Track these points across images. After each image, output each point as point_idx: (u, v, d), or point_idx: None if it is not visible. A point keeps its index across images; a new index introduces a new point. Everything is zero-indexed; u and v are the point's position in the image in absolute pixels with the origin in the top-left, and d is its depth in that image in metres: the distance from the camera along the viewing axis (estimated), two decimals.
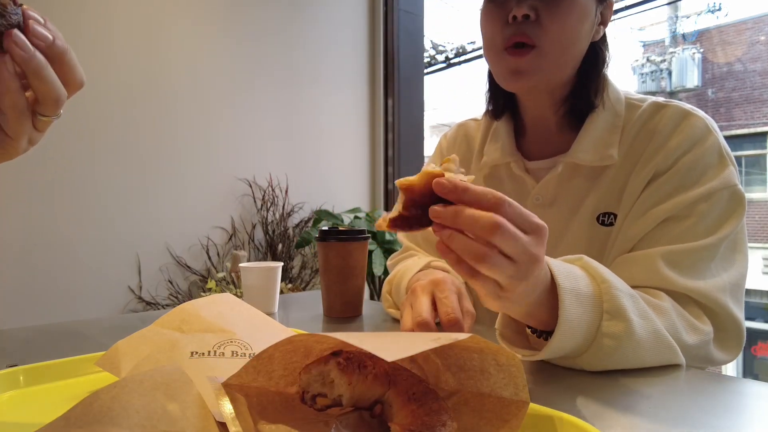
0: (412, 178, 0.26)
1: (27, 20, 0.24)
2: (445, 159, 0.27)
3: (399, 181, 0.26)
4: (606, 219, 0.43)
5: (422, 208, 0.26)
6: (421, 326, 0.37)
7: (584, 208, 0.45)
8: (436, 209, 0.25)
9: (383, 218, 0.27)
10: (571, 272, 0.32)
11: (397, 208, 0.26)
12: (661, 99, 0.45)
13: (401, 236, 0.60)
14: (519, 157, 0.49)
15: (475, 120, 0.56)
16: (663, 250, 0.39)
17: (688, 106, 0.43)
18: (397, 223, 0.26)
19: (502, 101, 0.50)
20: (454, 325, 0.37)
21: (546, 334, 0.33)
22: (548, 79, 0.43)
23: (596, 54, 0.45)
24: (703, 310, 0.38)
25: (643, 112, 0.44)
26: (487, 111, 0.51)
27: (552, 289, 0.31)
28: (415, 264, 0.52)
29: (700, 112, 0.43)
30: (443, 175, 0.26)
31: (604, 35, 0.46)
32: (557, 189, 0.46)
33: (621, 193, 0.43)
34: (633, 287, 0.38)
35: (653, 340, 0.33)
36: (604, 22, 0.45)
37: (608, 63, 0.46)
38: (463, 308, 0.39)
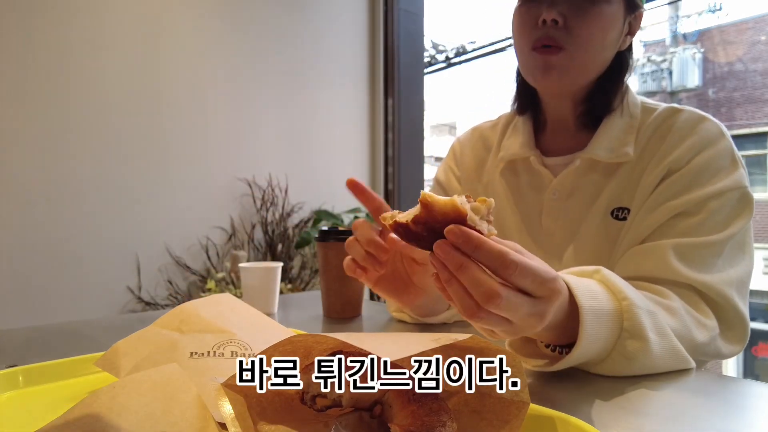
0: (436, 198, 0.24)
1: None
2: (481, 199, 0.24)
3: (424, 194, 0.24)
4: (620, 213, 0.45)
5: (429, 230, 0.24)
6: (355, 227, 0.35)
7: (599, 202, 0.46)
8: (445, 248, 0.24)
9: (392, 215, 0.25)
10: (590, 289, 0.31)
11: (407, 217, 0.24)
12: (676, 105, 0.46)
13: None
14: (538, 153, 0.50)
15: (490, 121, 0.58)
16: (673, 242, 0.39)
17: (702, 112, 0.45)
18: (399, 230, 0.25)
19: (528, 97, 0.51)
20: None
21: (560, 347, 0.33)
22: (574, 80, 0.45)
23: (621, 62, 0.46)
24: (708, 304, 0.39)
25: (659, 114, 0.45)
26: (514, 105, 0.53)
27: (571, 302, 0.30)
28: None
29: (714, 119, 0.44)
30: (465, 216, 0.23)
31: (631, 45, 0.47)
32: (574, 183, 0.47)
33: (635, 189, 0.44)
34: (642, 277, 0.39)
35: (669, 356, 0.33)
36: (631, 32, 0.46)
37: (631, 70, 0.47)
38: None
